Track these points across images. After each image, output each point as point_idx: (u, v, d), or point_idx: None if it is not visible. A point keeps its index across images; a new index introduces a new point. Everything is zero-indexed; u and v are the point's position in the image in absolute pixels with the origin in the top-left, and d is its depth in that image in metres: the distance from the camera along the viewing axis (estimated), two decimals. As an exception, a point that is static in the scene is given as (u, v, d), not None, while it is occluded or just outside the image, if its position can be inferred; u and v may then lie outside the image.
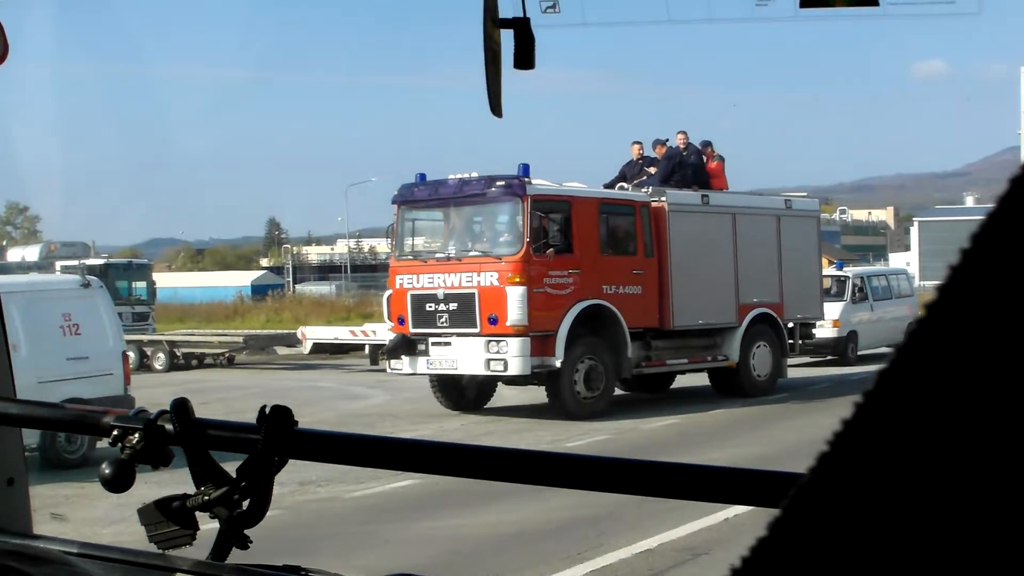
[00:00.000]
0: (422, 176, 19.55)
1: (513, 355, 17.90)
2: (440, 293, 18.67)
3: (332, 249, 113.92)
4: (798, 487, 0.46)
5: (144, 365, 31.80)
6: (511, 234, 18.43)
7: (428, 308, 18.79)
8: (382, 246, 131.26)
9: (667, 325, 19.93)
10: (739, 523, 10.10)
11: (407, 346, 18.90)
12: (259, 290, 67.81)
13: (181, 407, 1.92)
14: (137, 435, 1.93)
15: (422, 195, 19.34)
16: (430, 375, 19.40)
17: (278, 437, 1.83)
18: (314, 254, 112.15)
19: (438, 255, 19.01)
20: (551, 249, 18.44)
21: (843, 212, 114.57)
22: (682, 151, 21.10)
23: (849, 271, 30.93)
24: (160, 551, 1.93)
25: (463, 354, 18.35)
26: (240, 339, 33.09)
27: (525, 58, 1.87)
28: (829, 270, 32.49)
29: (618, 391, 21.39)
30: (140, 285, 41.15)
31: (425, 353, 18.76)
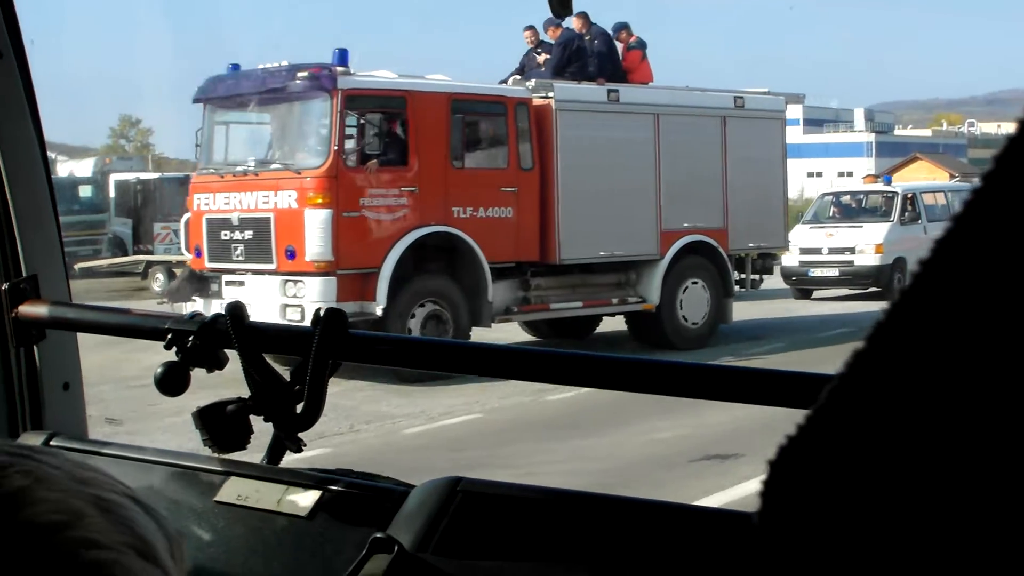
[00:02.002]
0: (234, 67, 14.76)
1: (312, 300, 13.12)
2: (234, 218, 13.97)
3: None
4: (829, 388, 0.45)
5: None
6: (316, 141, 13.57)
7: (223, 237, 14.12)
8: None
9: (552, 258, 14.87)
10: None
11: (197, 284, 14.28)
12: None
13: (236, 310, 1.88)
14: (191, 338, 1.90)
15: (223, 91, 14.54)
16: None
17: (332, 339, 1.79)
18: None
19: (238, 168, 14.25)
20: (373, 160, 13.56)
21: (971, 125, 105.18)
22: (583, 35, 15.78)
23: (898, 186, 25.10)
24: (215, 455, 1.90)
25: (257, 297, 13.62)
26: None
27: None
28: (876, 185, 26.69)
29: (528, 336, 16.54)
30: (198, 200, 38.14)
31: (219, 295, 14.09)
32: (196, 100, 14.70)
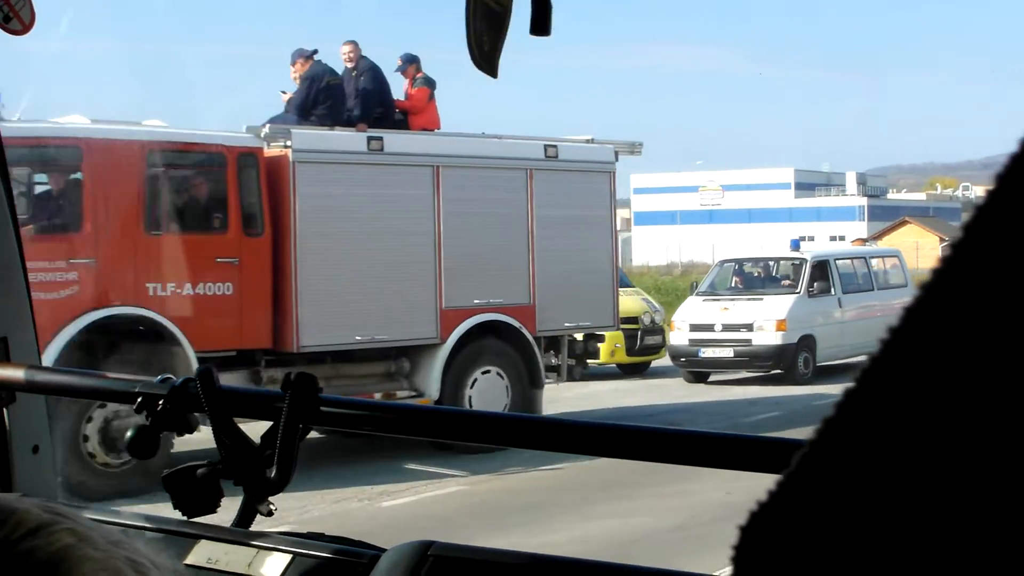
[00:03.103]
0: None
1: (-60, 403, 10.07)
2: None
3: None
4: (800, 454, 0.45)
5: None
6: (-46, 200, 10.58)
7: None
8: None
9: (289, 345, 11.78)
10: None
11: None
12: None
13: (207, 374, 1.88)
14: (162, 402, 1.90)
15: None
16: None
17: (303, 404, 1.79)
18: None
19: None
20: (29, 226, 10.59)
21: (966, 188, 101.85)
22: (349, 70, 12.81)
23: (806, 252, 21.61)
24: (185, 518, 1.88)
25: None
26: None
27: (541, 23, 1.53)
28: (781, 251, 23.38)
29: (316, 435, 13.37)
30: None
31: None
32: None
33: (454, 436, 1.88)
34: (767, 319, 19.44)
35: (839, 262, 21.64)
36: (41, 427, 2.27)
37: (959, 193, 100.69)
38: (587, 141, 14.22)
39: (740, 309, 19.72)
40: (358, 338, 12.13)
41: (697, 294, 20.78)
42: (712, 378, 19.92)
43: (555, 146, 13.66)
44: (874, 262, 22.74)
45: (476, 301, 12.88)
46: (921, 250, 73.06)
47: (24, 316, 2.28)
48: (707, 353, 19.27)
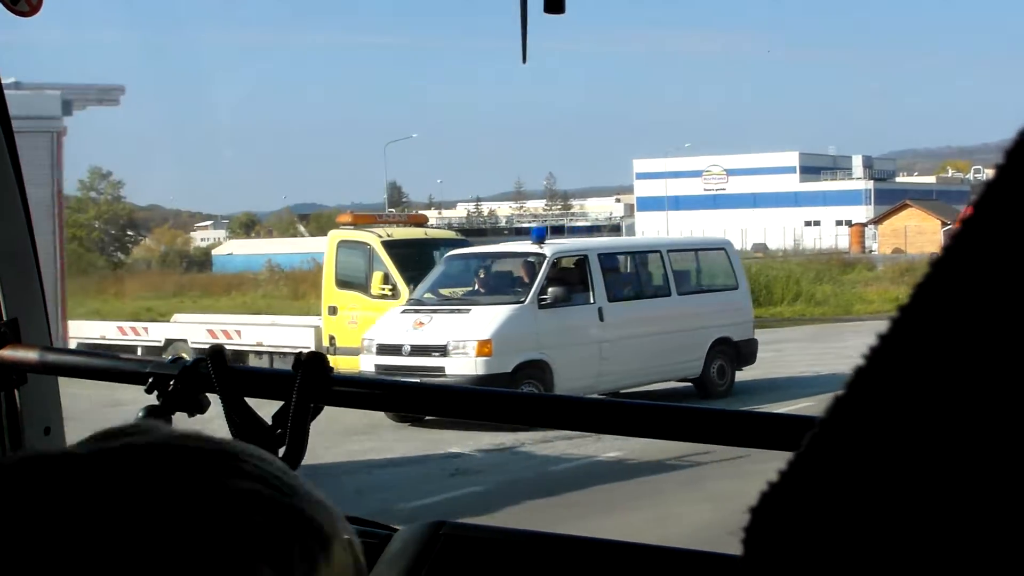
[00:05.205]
0: None
1: None
2: None
3: (441, 213, 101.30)
4: (811, 435, 0.44)
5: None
6: None
7: None
8: (503, 209, 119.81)
9: None
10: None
11: None
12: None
13: (218, 354, 1.81)
14: (172, 382, 1.83)
15: None
16: None
17: (314, 383, 1.73)
18: (433, 219, 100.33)
19: None
20: None
21: (977, 171, 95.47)
22: None
23: (547, 247, 15.43)
24: None
25: None
26: None
27: (555, 1, 1.56)
28: (527, 245, 16.68)
29: None
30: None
31: None
32: None
33: (469, 415, 1.76)
34: (466, 339, 14.08)
35: (608, 257, 15.78)
36: (53, 408, 2.23)
37: (970, 176, 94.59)
38: (11, 85, 9.00)
39: (438, 325, 14.40)
40: None
41: (408, 301, 15.49)
42: (429, 417, 14.61)
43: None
44: (675, 258, 16.61)
45: None
46: (923, 234, 67.07)
47: (35, 298, 2.21)
48: None
